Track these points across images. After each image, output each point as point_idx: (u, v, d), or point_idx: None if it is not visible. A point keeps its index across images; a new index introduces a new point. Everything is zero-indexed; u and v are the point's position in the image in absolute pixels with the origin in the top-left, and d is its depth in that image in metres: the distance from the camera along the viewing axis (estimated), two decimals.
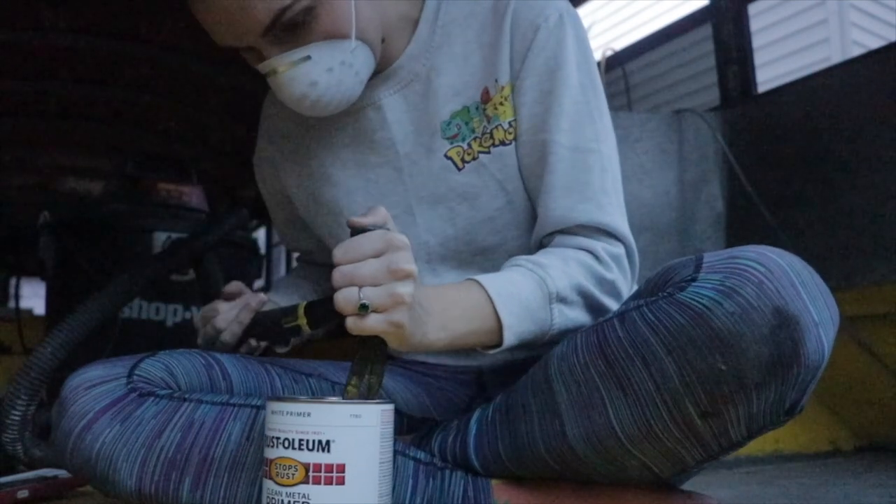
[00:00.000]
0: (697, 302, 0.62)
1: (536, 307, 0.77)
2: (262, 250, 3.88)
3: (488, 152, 0.87)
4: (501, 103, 0.86)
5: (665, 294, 0.65)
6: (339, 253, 0.66)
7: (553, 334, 0.79)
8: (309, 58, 0.78)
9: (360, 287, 0.64)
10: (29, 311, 3.77)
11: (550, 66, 0.85)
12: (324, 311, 0.75)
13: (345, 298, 0.64)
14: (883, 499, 1.21)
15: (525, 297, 0.77)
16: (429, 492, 0.77)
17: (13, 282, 2.48)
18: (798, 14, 4.86)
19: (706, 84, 3.08)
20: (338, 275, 0.65)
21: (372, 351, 0.69)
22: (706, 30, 2.52)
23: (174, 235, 2.12)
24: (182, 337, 2.13)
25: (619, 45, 2.99)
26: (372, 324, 0.64)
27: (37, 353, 1.21)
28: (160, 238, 2.12)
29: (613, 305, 0.83)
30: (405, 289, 0.64)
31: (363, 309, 0.64)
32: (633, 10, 5.57)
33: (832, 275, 1.83)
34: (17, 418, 1.20)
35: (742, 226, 2.12)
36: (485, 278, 0.77)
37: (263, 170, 1.06)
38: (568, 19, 0.86)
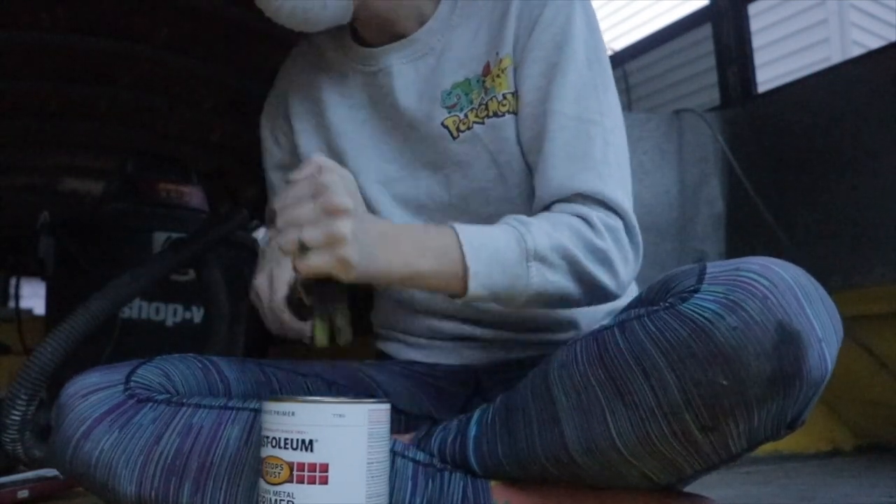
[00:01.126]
0: (700, 315, 0.62)
1: (511, 261, 0.76)
2: None
3: (482, 123, 0.89)
4: (498, 75, 0.88)
5: (667, 304, 0.65)
6: (277, 202, 0.69)
7: (531, 294, 0.78)
8: None
9: (301, 228, 0.66)
10: (29, 311, 3.77)
11: (558, 41, 0.86)
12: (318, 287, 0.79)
13: (285, 241, 0.67)
14: (883, 498, 1.22)
15: (499, 248, 0.76)
16: (428, 493, 0.77)
17: (13, 282, 2.48)
18: (798, 14, 4.86)
19: (706, 84, 3.08)
20: (279, 222, 0.68)
21: (327, 292, 0.71)
22: (706, 30, 2.52)
23: (174, 235, 2.12)
24: (182, 337, 2.13)
25: (619, 45, 2.99)
26: (315, 261, 0.67)
27: (37, 354, 1.21)
28: (160, 238, 2.12)
29: (603, 276, 0.82)
30: (342, 224, 0.66)
31: (303, 249, 0.66)
32: (633, 10, 5.57)
33: (832, 275, 1.84)
34: (17, 418, 1.20)
35: (742, 226, 2.12)
36: (460, 226, 0.77)
37: (274, 114, 1.07)
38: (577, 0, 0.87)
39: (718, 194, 2.16)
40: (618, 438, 0.66)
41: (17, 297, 2.36)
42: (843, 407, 1.88)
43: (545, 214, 0.83)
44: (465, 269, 0.75)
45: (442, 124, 0.91)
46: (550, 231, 0.79)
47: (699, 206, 2.15)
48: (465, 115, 0.90)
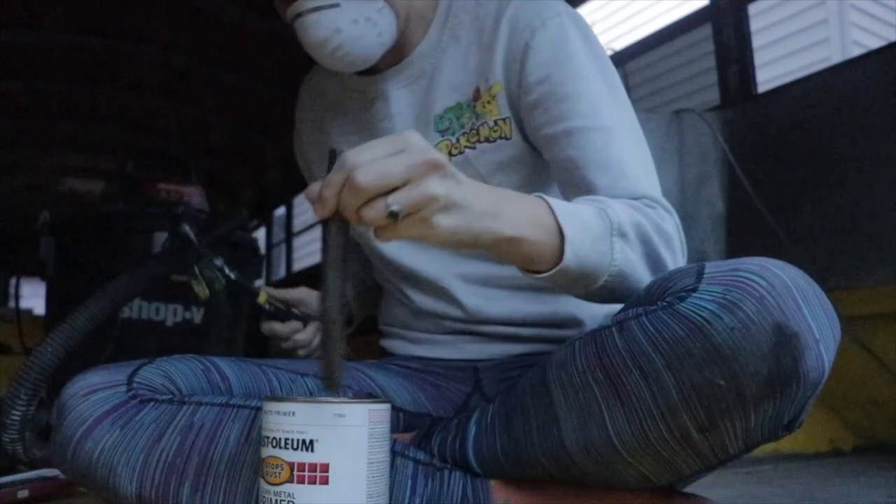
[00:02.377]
0: (697, 315, 0.62)
1: (598, 235, 0.72)
2: (262, 250, 3.89)
3: (473, 148, 0.90)
4: (489, 101, 0.89)
5: (665, 303, 0.65)
6: (351, 156, 0.58)
7: (614, 273, 0.73)
8: (337, 5, 0.81)
9: (387, 195, 0.58)
10: (29, 312, 3.77)
11: (559, 61, 0.86)
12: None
13: (372, 212, 0.57)
14: (882, 499, 1.22)
15: (586, 220, 0.72)
16: (428, 492, 0.77)
17: (13, 282, 2.48)
18: (798, 14, 4.86)
19: (706, 84, 3.08)
20: (361, 179, 0.56)
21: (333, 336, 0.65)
22: (706, 30, 2.52)
23: None
24: (182, 337, 2.13)
25: (619, 45, 2.99)
26: (406, 232, 0.60)
27: (37, 354, 1.21)
28: (160, 238, 2.12)
29: (668, 260, 0.79)
30: (434, 185, 0.58)
31: (392, 217, 0.57)
32: (633, 10, 5.57)
33: (832, 275, 1.84)
34: (17, 418, 1.20)
35: (742, 226, 2.12)
36: (546, 196, 0.71)
37: (296, 143, 1.12)
38: (566, 16, 0.87)
39: (718, 194, 2.16)
40: (616, 438, 0.66)
41: (17, 297, 2.36)
42: (843, 407, 1.88)
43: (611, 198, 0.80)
44: (562, 238, 0.69)
45: (435, 147, 0.91)
46: (626, 208, 0.76)
47: (699, 206, 2.15)
48: (457, 140, 0.91)
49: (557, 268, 0.70)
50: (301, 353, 1.04)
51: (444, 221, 0.61)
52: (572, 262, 0.70)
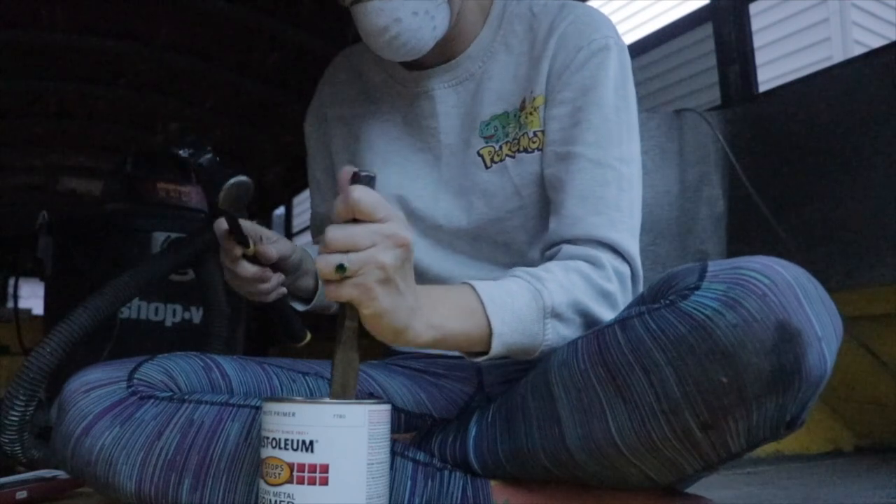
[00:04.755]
0: (700, 312, 0.62)
1: (529, 320, 0.75)
2: None
3: (513, 157, 0.91)
4: (531, 113, 0.90)
5: (667, 302, 0.65)
6: (329, 229, 0.62)
7: (543, 350, 0.77)
8: None
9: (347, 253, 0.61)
10: (27, 312, 3.76)
11: (587, 85, 0.87)
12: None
13: (324, 263, 0.61)
14: (883, 499, 1.21)
15: (518, 307, 0.74)
16: (427, 492, 0.77)
17: (12, 282, 2.48)
18: (799, 13, 4.86)
19: (707, 83, 3.08)
20: (336, 233, 0.61)
21: (348, 347, 0.67)
22: (707, 29, 2.52)
23: (174, 235, 2.12)
24: (182, 337, 2.13)
25: None
26: (346, 291, 0.61)
27: (35, 354, 1.21)
28: (159, 238, 2.12)
29: (607, 317, 0.80)
30: (388, 257, 0.61)
31: (340, 270, 0.60)
32: (632, 9, 5.57)
33: (833, 275, 1.83)
34: (15, 419, 1.20)
35: (742, 226, 2.12)
36: (479, 283, 0.75)
37: (312, 123, 1.09)
38: (614, 47, 0.88)
39: (719, 194, 2.16)
40: (618, 436, 0.66)
41: (15, 298, 2.36)
42: (843, 407, 1.88)
43: (556, 263, 0.82)
44: (490, 331, 0.72)
45: (478, 153, 0.92)
46: (565, 283, 0.78)
47: (700, 205, 2.14)
48: (500, 147, 0.92)
49: (486, 357, 0.74)
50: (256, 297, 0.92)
51: (383, 297, 0.62)
52: (501, 350, 0.74)
